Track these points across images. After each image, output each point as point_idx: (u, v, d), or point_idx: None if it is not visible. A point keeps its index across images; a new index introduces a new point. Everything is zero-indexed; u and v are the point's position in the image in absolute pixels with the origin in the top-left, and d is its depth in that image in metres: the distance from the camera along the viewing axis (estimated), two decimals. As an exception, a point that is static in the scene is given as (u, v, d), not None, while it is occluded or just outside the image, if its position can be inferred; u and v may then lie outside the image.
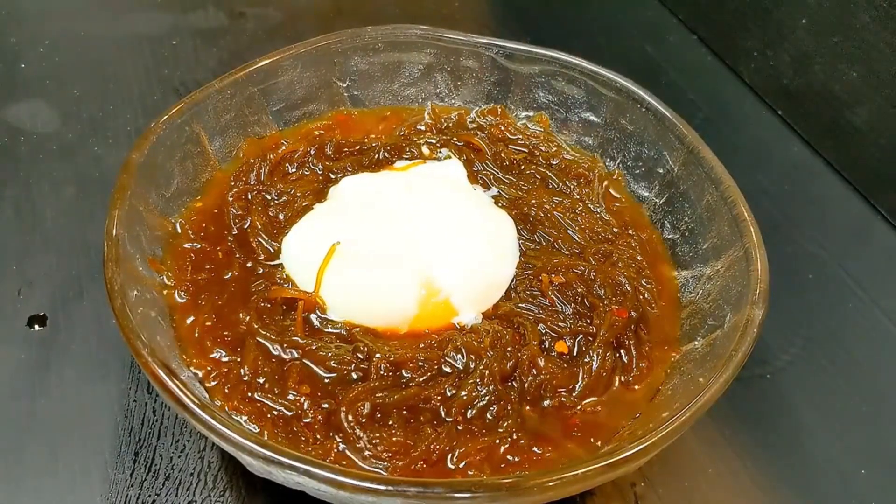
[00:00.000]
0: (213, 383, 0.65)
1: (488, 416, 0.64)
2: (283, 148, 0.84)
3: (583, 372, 0.68)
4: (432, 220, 0.74)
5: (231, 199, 0.79)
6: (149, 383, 0.76)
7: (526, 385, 0.66)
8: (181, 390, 0.57)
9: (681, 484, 0.74)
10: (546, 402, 0.66)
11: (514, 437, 0.63)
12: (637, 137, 0.86)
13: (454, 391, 0.65)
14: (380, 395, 0.64)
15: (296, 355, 0.67)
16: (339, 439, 0.62)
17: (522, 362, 0.67)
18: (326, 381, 0.66)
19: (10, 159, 1.00)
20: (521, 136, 0.90)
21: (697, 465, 0.75)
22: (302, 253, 0.73)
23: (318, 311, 0.70)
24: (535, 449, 0.63)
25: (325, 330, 0.69)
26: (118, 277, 0.64)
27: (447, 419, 0.64)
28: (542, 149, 0.89)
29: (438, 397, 0.64)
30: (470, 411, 0.64)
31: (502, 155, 0.87)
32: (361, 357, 0.66)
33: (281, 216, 0.78)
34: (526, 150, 0.89)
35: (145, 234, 0.72)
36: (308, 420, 0.63)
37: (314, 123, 0.91)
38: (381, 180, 0.80)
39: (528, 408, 0.66)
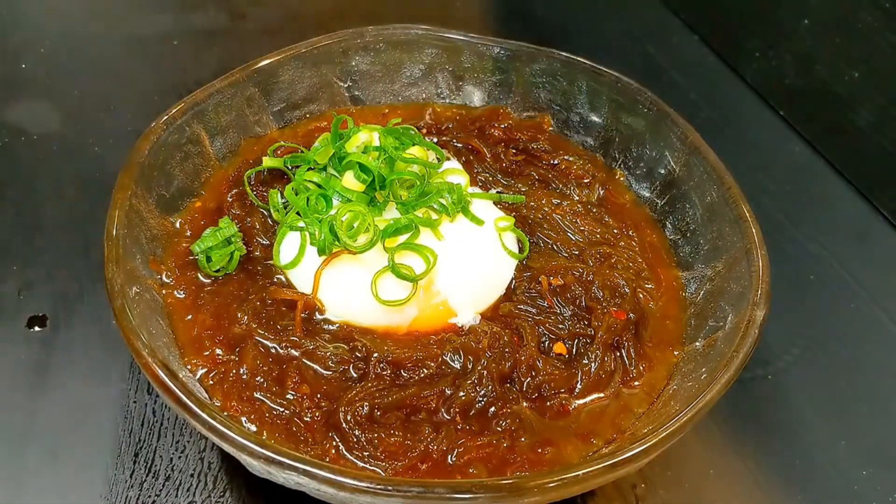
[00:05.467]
0: (211, 383, 0.65)
1: (487, 416, 0.64)
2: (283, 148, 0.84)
3: (581, 373, 0.68)
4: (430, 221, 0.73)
5: (230, 199, 0.79)
6: (149, 384, 0.76)
7: (525, 386, 0.66)
8: (181, 390, 0.57)
9: (682, 485, 0.74)
10: (545, 403, 0.66)
11: (514, 437, 0.63)
12: (638, 138, 0.86)
13: (453, 391, 0.65)
14: (378, 394, 0.63)
15: (295, 355, 0.67)
16: (337, 439, 0.62)
17: (521, 363, 0.67)
18: (325, 380, 0.65)
19: (11, 159, 1.00)
20: (521, 137, 0.89)
21: (699, 465, 0.75)
22: (300, 254, 0.72)
23: (316, 312, 0.70)
24: (534, 449, 0.63)
25: (324, 329, 0.69)
26: (118, 277, 0.64)
27: (446, 419, 0.64)
28: (543, 150, 0.89)
29: (437, 397, 0.64)
30: (469, 411, 0.64)
31: (502, 156, 0.86)
32: (359, 356, 0.66)
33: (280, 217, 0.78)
34: (526, 152, 0.88)
35: (145, 234, 0.72)
36: (307, 420, 0.63)
37: (314, 123, 0.91)
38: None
39: (527, 408, 0.65)
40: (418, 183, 0.72)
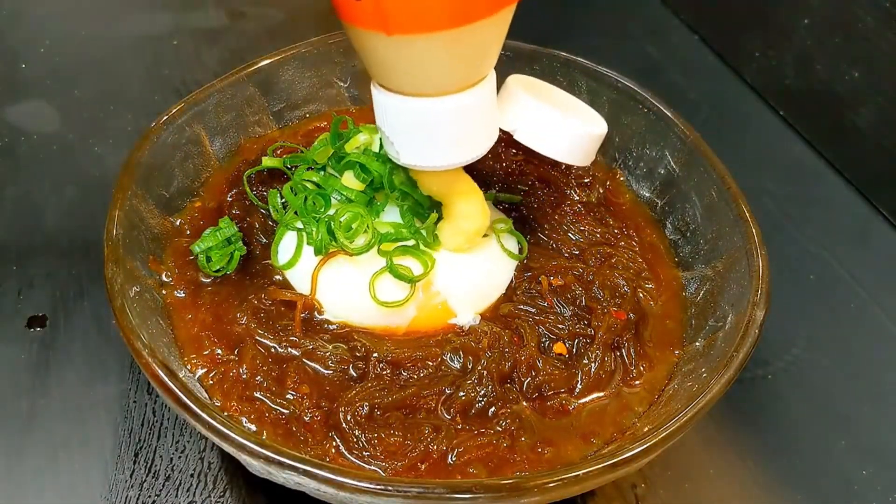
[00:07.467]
0: (211, 383, 0.65)
1: (487, 416, 0.64)
2: (283, 148, 0.84)
3: (581, 373, 0.68)
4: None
5: (230, 199, 0.79)
6: (149, 384, 0.76)
7: (525, 386, 0.66)
8: (181, 390, 0.57)
9: (682, 485, 0.74)
10: (545, 403, 0.66)
11: (514, 437, 0.63)
12: (638, 138, 0.86)
13: (452, 391, 0.65)
14: (378, 394, 0.64)
15: (294, 354, 0.67)
16: (337, 439, 0.62)
17: (521, 363, 0.67)
18: (325, 380, 0.65)
19: (10, 159, 1.00)
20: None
21: (698, 465, 0.75)
22: (297, 254, 0.72)
23: (316, 312, 0.70)
24: (534, 449, 0.63)
25: (324, 329, 0.69)
26: (118, 277, 0.64)
27: (446, 419, 0.64)
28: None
29: (437, 397, 0.64)
30: (469, 411, 0.64)
31: (502, 156, 0.86)
32: (359, 356, 0.66)
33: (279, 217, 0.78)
34: (526, 151, 0.88)
35: (145, 234, 0.72)
36: (307, 420, 0.63)
37: (314, 123, 0.91)
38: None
39: (527, 408, 0.65)
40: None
